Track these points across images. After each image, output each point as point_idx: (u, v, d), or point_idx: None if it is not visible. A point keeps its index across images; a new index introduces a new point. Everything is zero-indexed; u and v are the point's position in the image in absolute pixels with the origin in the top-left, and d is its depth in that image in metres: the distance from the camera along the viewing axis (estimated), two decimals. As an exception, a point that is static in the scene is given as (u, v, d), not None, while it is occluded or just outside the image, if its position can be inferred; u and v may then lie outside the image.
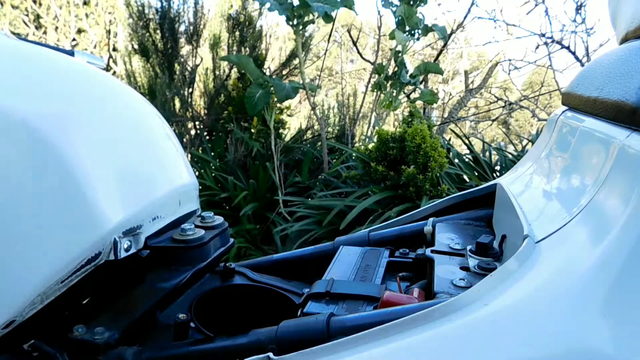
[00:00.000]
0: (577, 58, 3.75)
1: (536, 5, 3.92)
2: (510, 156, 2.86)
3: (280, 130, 3.40)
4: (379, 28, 3.26)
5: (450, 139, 3.90)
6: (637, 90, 0.47)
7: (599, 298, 0.37)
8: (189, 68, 3.52)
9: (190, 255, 0.68)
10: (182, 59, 3.53)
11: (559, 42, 3.84)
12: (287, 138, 3.54)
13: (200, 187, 0.82)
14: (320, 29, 3.83)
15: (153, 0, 3.58)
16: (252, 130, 3.28)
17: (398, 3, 2.85)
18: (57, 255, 0.51)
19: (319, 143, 3.22)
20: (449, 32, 3.87)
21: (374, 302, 0.57)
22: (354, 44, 3.50)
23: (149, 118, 0.76)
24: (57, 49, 0.79)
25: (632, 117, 0.50)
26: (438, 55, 4.52)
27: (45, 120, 0.54)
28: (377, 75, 3.07)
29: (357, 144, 3.44)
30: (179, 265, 0.67)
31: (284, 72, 3.68)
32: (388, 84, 3.03)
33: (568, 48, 3.77)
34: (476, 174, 2.65)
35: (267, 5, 2.37)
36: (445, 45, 4.42)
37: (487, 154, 2.99)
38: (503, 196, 0.75)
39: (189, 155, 3.28)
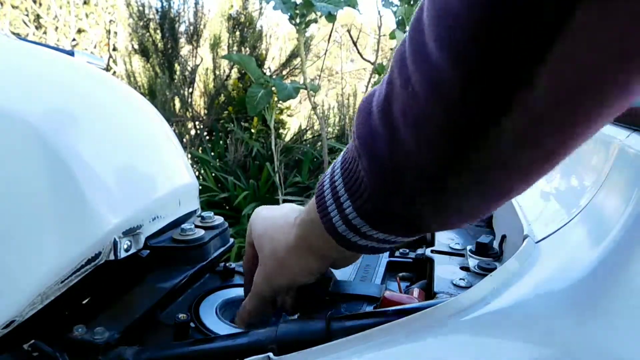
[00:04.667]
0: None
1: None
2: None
3: (280, 130, 3.40)
4: (379, 28, 3.26)
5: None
6: (637, 90, 0.47)
7: (599, 298, 0.37)
8: (189, 68, 3.52)
9: (190, 255, 0.68)
10: (182, 59, 3.53)
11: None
12: (287, 138, 3.54)
13: (200, 187, 0.82)
14: (320, 29, 3.83)
15: (153, 0, 3.59)
16: (252, 130, 3.28)
17: (398, 3, 2.85)
18: (57, 255, 0.51)
19: (319, 143, 3.22)
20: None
21: (374, 302, 0.57)
22: (354, 44, 3.50)
23: (149, 118, 0.76)
24: (57, 49, 0.79)
25: (632, 117, 0.49)
26: (438, 55, 4.51)
27: (45, 120, 0.54)
28: (377, 75, 3.06)
29: (357, 144, 3.42)
30: (179, 265, 0.67)
31: (284, 72, 3.68)
32: (388, 84, 3.02)
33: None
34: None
35: (272, 3, 2.36)
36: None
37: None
38: (503, 196, 0.75)
39: (189, 155, 3.27)
